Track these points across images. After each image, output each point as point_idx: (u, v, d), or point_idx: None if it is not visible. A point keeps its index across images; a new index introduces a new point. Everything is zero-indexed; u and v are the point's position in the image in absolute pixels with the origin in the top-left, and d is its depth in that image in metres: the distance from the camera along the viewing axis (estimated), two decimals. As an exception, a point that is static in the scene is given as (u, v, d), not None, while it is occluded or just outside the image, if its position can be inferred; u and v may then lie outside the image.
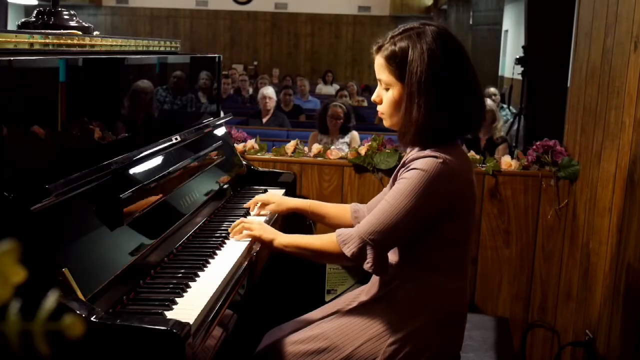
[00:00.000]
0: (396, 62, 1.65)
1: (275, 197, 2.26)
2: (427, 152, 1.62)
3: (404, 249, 1.71)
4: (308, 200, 2.22)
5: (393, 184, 1.70)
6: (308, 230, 2.78)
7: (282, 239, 1.84)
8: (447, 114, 1.63)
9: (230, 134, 2.90)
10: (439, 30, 1.67)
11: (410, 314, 1.68)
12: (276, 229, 1.95)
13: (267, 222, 2.22)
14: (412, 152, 1.70)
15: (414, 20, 1.79)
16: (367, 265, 1.65)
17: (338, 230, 1.71)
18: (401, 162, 1.70)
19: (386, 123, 1.75)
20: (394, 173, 1.72)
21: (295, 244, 1.80)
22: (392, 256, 1.72)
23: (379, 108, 1.74)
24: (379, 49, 1.70)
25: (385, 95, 1.71)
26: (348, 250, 1.65)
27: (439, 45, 1.63)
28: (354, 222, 2.03)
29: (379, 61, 1.70)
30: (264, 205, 2.25)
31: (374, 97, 1.75)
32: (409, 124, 1.65)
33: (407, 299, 1.70)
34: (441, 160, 1.60)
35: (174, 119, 2.48)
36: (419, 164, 1.61)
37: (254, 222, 1.96)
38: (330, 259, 1.83)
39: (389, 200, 1.63)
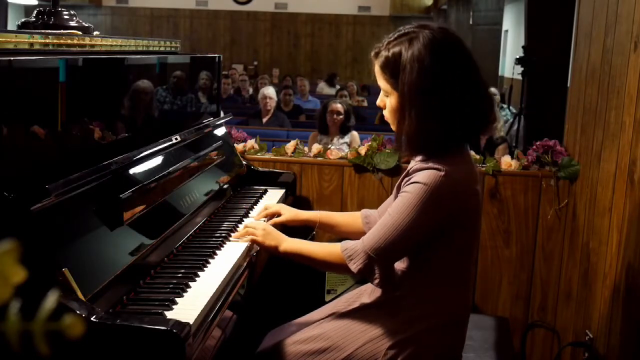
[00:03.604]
0: (390, 70, 1.63)
1: (286, 209, 2.15)
2: (430, 163, 1.59)
3: (408, 258, 1.70)
4: (318, 212, 2.15)
5: (397, 193, 1.68)
6: (309, 235, 2.78)
7: (286, 245, 1.82)
8: (438, 124, 1.59)
9: (230, 134, 2.90)
10: (434, 34, 1.60)
11: (412, 318, 1.68)
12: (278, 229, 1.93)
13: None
14: (416, 161, 1.68)
15: (414, 20, 1.77)
16: (375, 282, 1.65)
17: (343, 244, 1.69)
18: (405, 172, 1.68)
19: (393, 128, 1.73)
20: (398, 182, 1.70)
21: (299, 252, 1.79)
22: (397, 265, 1.72)
23: (384, 113, 1.73)
24: (376, 55, 1.67)
25: (387, 101, 1.69)
26: (354, 267, 1.64)
27: (430, 51, 1.57)
28: (365, 228, 2.00)
29: (376, 68, 1.68)
30: (273, 214, 2.16)
31: (378, 102, 1.73)
32: (400, 134, 1.65)
33: (410, 305, 1.69)
34: (443, 172, 1.57)
35: (174, 119, 2.48)
36: (421, 177, 1.59)
37: (258, 227, 1.92)
38: (334, 270, 1.82)
39: (392, 215, 1.61)
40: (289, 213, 2.13)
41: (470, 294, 1.77)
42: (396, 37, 1.64)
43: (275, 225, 2.01)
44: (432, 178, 1.57)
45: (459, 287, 1.72)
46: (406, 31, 1.64)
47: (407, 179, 1.64)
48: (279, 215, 2.14)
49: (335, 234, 2.17)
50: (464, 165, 1.64)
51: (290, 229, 2.16)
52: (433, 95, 1.58)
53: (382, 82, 1.67)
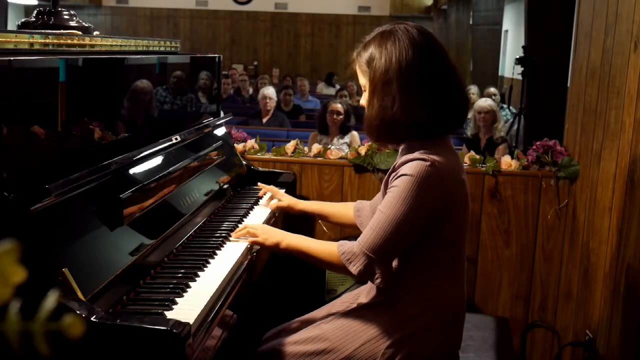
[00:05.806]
0: (367, 65, 1.68)
1: (286, 197, 2.32)
2: (415, 154, 1.61)
3: (402, 254, 1.70)
4: (312, 203, 2.28)
5: (385, 189, 1.69)
6: (309, 231, 2.78)
7: (288, 241, 1.83)
8: (398, 112, 1.61)
9: (230, 134, 2.90)
10: (409, 28, 1.66)
11: (409, 315, 1.68)
12: (278, 227, 1.96)
13: (269, 220, 2.24)
14: (401, 155, 1.70)
15: (414, 20, 1.79)
16: (377, 281, 1.65)
17: (340, 248, 1.69)
18: (392, 167, 1.69)
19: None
20: (385, 178, 1.72)
21: (301, 249, 1.79)
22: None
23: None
24: (358, 54, 1.72)
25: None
26: (354, 269, 1.65)
27: (403, 44, 1.62)
28: (356, 221, 2.06)
29: (357, 68, 1.73)
30: (274, 197, 2.35)
31: (361, 102, 1.77)
32: (366, 120, 1.69)
33: (407, 302, 1.70)
34: (429, 162, 1.59)
35: (173, 119, 2.48)
36: (407, 169, 1.60)
37: (258, 227, 1.93)
38: (335, 270, 1.83)
39: (383, 211, 1.62)
40: (288, 200, 2.29)
41: (464, 288, 1.77)
42: (373, 36, 1.70)
43: (276, 223, 2.05)
44: (418, 169, 1.59)
45: (453, 280, 1.73)
46: (383, 29, 1.70)
47: (394, 173, 1.65)
48: (279, 200, 2.31)
49: (329, 223, 2.30)
50: (448, 155, 1.66)
51: (290, 225, 2.23)
52: (395, 84, 1.61)
53: (361, 79, 1.72)
